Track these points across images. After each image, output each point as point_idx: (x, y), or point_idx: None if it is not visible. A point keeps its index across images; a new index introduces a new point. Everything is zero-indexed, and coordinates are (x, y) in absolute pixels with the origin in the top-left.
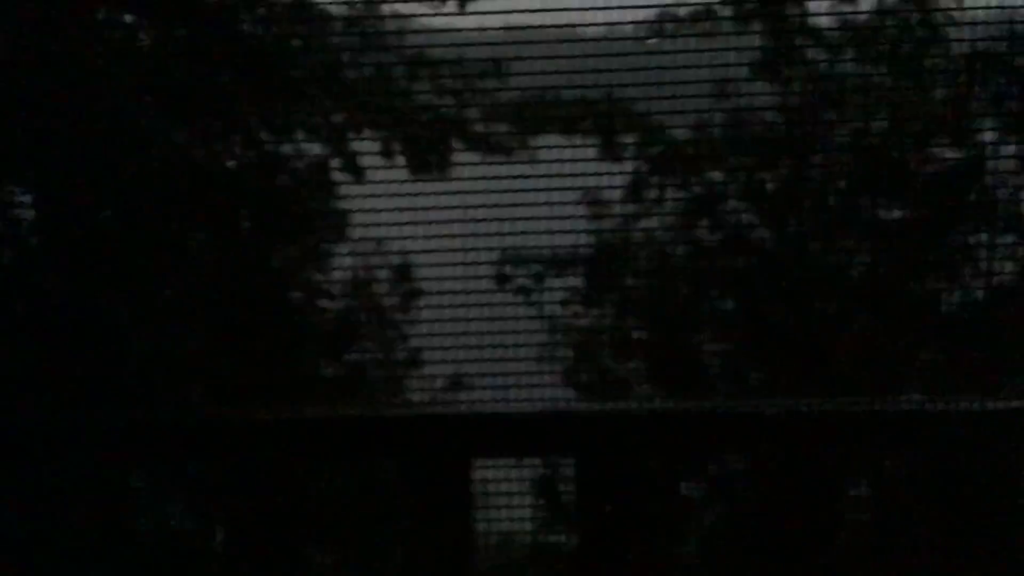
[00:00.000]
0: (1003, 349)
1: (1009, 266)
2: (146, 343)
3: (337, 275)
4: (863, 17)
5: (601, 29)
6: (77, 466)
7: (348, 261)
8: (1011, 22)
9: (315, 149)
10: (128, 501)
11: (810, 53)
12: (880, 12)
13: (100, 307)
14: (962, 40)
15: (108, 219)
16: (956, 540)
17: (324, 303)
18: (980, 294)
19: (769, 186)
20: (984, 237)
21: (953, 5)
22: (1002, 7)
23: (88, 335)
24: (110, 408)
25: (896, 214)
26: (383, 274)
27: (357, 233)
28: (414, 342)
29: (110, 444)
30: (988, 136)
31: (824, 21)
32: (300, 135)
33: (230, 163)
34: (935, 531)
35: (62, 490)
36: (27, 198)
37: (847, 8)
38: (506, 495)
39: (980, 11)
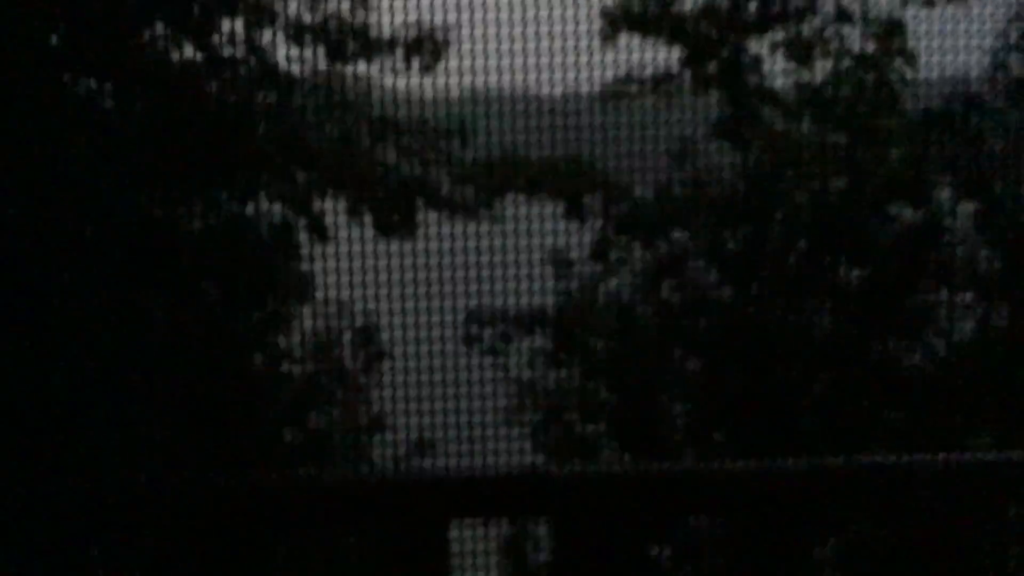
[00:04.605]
0: (964, 406)
1: (968, 324)
2: (106, 410)
3: (300, 338)
4: (819, 81)
5: (564, 92)
6: (34, 537)
7: (311, 323)
8: (963, 85)
9: (279, 212)
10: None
11: (768, 116)
12: (836, 76)
13: (59, 373)
14: (917, 102)
15: (67, 283)
16: None
17: (287, 367)
18: (941, 352)
19: (730, 246)
20: (943, 296)
21: (907, 68)
22: (954, 70)
23: (46, 404)
24: (69, 478)
25: (856, 274)
26: (347, 336)
27: (321, 295)
28: (378, 405)
29: (69, 514)
30: (944, 196)
31: (781, 85)
32: (264, 198)
33: (193, 226)
34: None
35: (18, 562)
36: None
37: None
38: (474, 555)
39: (934, 74)
